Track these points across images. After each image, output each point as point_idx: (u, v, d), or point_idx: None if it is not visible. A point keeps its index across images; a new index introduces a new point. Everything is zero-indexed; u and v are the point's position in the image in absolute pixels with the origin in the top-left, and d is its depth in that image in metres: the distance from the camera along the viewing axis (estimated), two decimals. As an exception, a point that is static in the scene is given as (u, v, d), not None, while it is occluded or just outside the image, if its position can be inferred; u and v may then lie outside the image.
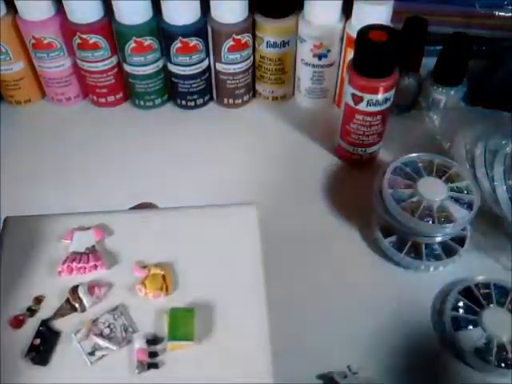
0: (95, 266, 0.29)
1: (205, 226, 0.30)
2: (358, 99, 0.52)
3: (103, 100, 0.66)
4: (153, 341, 0.26)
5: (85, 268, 0.29)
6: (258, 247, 0.29)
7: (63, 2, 0.57)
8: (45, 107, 0.68)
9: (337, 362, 0.43)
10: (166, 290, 0.28)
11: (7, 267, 0.29)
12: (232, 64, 0.62)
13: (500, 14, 0.64)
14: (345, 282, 0.49)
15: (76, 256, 0.29)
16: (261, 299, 0.27)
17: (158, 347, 0.27)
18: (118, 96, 0.66)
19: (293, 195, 0.57)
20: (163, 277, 0.28)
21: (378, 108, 0.53)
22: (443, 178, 0.50)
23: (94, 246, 0.30)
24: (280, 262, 0.49)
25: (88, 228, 0.31)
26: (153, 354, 0.26)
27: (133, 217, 0.32)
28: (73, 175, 0.59)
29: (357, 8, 0.56)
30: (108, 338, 0.27)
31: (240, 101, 0.66)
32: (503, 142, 0.54)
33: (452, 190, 0.49)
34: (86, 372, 0.25)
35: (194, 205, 0.32)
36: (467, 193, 0.49)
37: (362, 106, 0.53)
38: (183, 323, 0.26)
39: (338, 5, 0.57)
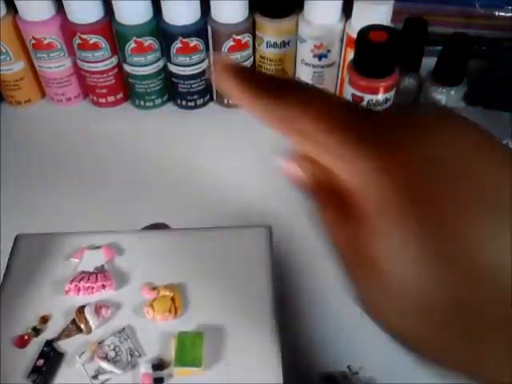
0: (103, 286, 0.28)
1: (216, 248, 0.30)
2: (358, 99, 0.52)
3: (103, 100, 0.66)
4: (159, 365, 0.26)
5: (92, 288, 0.29)
6: (269, 271, 0.29)
7: (63, 2, 0.57)
8: (45, 107, 0.68)
9: (337, 363, 0.43)
10: (175, 312, 0.27)
11: (15, 284, 0.28)
12: (232, 64, 0.62)
13: (500, 14, 0.64)
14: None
15: (84, 275, 0.29)
16: (272, 324, 0.27)
17: (164, 372, 0.25)
18: (118, 96, 0.66)
19: (292, 195, 0.57)
20: (172, 299, 0.28)
21: (379, 108, 0.53)
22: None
23: (103, 266, 0.29)
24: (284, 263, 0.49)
25: (98, 247, 0.30)
26: (158, 380, 0.25)
27: (144, 237, 0.31)
28: (72, 175, 0.59)
29: (357, 8, 0.56)
30: (113, 361, 0.26)
31: (240, 101, 0.66)
32: (503, 142, 0.54)
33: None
34: None
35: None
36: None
37: (362, 106, 0.53)
38: (191, 348, 0.25)
39: (338, 5, 0.57)
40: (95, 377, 0.25)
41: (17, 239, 0.30)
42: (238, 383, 0.25)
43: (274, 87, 0.19)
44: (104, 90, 0.65)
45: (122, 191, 0.57)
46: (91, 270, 0.29)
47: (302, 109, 0.18)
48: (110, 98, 0.66)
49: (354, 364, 0.43)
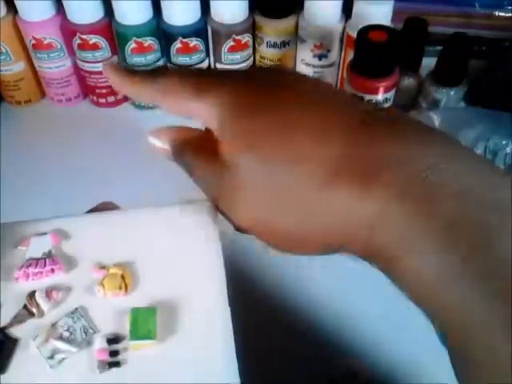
0: (52, 270, 0.29)
1: (163, 224, 0.30)
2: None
3: (103, 100, 0.66)
4: (113, 340, 0.26)
5: (41, 273, 0.28)
6: (217, 243, 0.29)
7: (63, 2, 0.57)
8: (45, 107, 0.68)
9: (338, 363, 0.43)
10: (126, 289, 0.27)
11: None
12: (232, 64, 0.62)
13: (500, 14, 0.64)
14: (343, 283, 0.49)
15: (32, 261, 0.29)
16: (223, 296, 0.27)
17: (120, 346, 0.25)
18: (118, 96, 0.66)
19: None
20: (122, 276, 0.28)
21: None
22: (443, 178, 0.50)
23: (50, 251, 0.30)
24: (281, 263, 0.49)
25: (44, 233, 0.30)
26: (114, 353, 0.25)
27: (90, 219, 0.31)
28: (72, 175, 0.59)
29: (357, 8, 0.56)
30: (68, 340, 0.26)
31: (240, 101, 0.66)
32: (503, 142, 0.54)
33: (452, 190, 0.49)
34: (47, 376, 0.25)
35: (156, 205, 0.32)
36: (467, 193, 0.49)
37: (362, 106, 0.53)
38: (145, 322, 0.26)
39: (338, 5, 0.57)
40: (51, 357, 0.26)
41: None
42: (192, 355, 0.25)
43: (148, 74, 0.27)
44: (104, 90, 0.65)
45: (122, 191, 0.57)
46: (39, 255, 0.29)
47: (168, 79, 0.26)
48: (110, 98, 0.66)
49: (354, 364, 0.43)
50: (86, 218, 0.32)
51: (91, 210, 0.33)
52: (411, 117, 0.22)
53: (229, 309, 0.27)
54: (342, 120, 0.22)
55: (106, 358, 0.25)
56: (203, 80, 0.25)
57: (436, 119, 0.60)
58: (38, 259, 0.29)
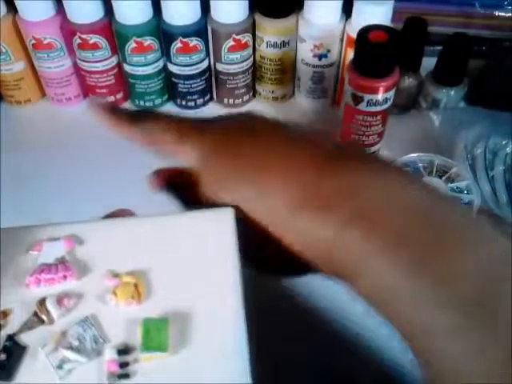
0: (64, 277, 0.28)
1: (180, 232, 0.29)
2: (358, 99, 0.52)
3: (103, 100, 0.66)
4: (124, 351, 0.25)
5: (53, 279, 0.27)
6: (235, 252, 0.28)
7: (63, 2, 0.57)
8: (45, 107, 0.68)
9: (336, 366, 0.43)
10: (139, 298, 0.27)
11: None
12: (232, 64, 0.62)
13: (500, 14, 0.64)
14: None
15: (44, 267, 0.28)
16: (238, 307, 0.27)
17: (130, 357, 0.25)
18: (118, 96, 0.66)
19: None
20: (135, 285, 0.27)
21: (378, 108, 0.53)
22: (443, 178, 0.50)
23: (63, 257, 0.29)
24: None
25: (58, 238, 0.29)
26: (124, 365, 0.24)
27: (105, 225, 0.31)
28: (73, 175, 0.59)
29: (357, 8, 0.56)
30: (77, 350, 0.25)
31: (240, 101, 0.66)
32: (503, 142, 0.54)
33: (452, 190, 0.49)
34: None
35: (172, 210, 0.32)
36: (467, 193, 0.49)
37: (362, 106, 0.53)
38: (157, 333, 0.25)
39: (338, 5, 0.57)
40: (60, 366, 0.25)
41: None
42: (205, 368, 0.25)
43: (135, 117, 0.32)
44: (104, 90, 0.65)
45: (122, 191, 0.57)
46: (52, 261, 0.29)
47: (154, 124, 0.30)
48: (110, 98, 0.66)
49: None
50: (100, 223, 0.31)
51: (107, 217, 0.33)
52: (365, 152, 0.26)
53: (244, 321, 0.26)
54: (309, 158, 0.25)
55: (116, 369, 0.24)
56: (185, 127, 0.29)
57: (436, 119, 0.60)
58: (50, 265, 0.28)
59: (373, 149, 0.58)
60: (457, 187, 0.50)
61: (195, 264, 0.28)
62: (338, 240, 0.23)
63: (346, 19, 0.59)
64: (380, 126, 0.55)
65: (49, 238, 0.29)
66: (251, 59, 0.63)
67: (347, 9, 0.58)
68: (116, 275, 0.28)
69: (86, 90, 0.67)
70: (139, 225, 0.30)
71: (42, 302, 0.27)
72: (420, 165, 0.51)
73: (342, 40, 0.60)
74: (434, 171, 0.51)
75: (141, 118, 0.31)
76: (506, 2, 0.63)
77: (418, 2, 0.64)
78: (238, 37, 0.59)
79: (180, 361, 0.25)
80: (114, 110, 0.33)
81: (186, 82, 0.63)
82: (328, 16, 0.58)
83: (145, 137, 0.31)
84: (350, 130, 0.56)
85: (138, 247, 0.29)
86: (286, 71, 0.64)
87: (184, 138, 0.28)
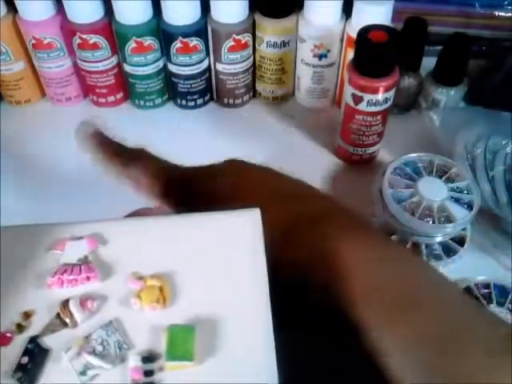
0: (88, 278, 0.27)
1: (206, 233, 0.28)
2: (358, 99, 0.52)
3: (103, 100, 0.66)
4: (148, 358, 0.24)
5: (76, 280, 0.27)
6: (262, 255, 0.27)
7: (63, 1, 0.57)
8: (45, 107, 0.67)
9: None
10: (164, 302, 0.26)
11: None
12: (232, 64, 0.62)
13: (500, 13, 0.64)
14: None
15: (67, 267, 0.27)
16: (267, 313, 0.26)
17: (155, 365, 0.24)
18: (118, 96, 0.66)
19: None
20: (160, 288, 0.26)
21: (378, 108, 0.53)
22: (443, 178, 0.50)
23: (86, 257, 0.28)
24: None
25: (81, 238, 0.28)
26: (148, 373, 0.24)
27: (129, 225, 0.30)
28: (72, 176, 0.59)
29: (357, 8, 0.56)
30: (101, 355, 0.24)
31: (240, 101, 0.66)
32: (503, 142, 0.54)
33: (452, 190, 0.49)
34: None
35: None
36: (467, 193, 0.49)
37: (362, 106, 0.53)
38: (182, 342, 0.24)
39: (338, 5, 0.57)
40: (83, 373, 0.24)
41: None
42: (232, 377, 0.24)
43: (126, 154, 0.32)
44: (104, 90, 0.65)
45: (122, 191, 0.57)
46: (74, 261, 0.28)
47: (141, 171, 0.31)
48: (110, 98, 0.66)
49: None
50: (124, 222, 0.30)
51: (129, 215, 0.32)
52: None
53: (272, 327, 0.25)
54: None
55: (140, 377, 0.24)
56: (171, 181, 0.30)
57: (436, 119, 0.60)
58: (73, 265, 0.27)
59: (373, 149, 0.58)
60: (457, 187, 0.50)
61: (221, 267, 0.27)
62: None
63: (346, 19, 0.59)
64: (380, 125, 0.55)
65: (71, 236, 0.28)
66: (251, 59, 0.63)
67: (347, 9, 0.58)
68: (140, 278, 0.27)
69: (86, 90, 0.67)
70: (164, 225, 0.29)
71: (65, 304, 0.26)
72: (420, 165, 0.51)
73: (342, 40, 0.60)
74: (434, 171, 0.51)
75: (130, 160, 0.32)
76: (505, 2, 0.63)
77: (418, 2, 0.64)
78: (238, 37, 0.59)
79: (206, 370, 0.24)
80: (102, 142, 0.34)
81: (186, 82, 0.63)
82: (328, 16, 0.58)
83: (131, 180, 0.32)
84: (349, 130, 0.56)
85: (162, 248, 0.28)
86: (286, 71, 0.64)
87: (169, 193, 0.29)
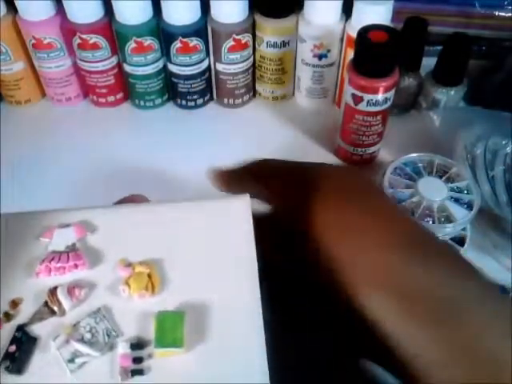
0: (75, 266, 0.26)
1: (195, 220, 0.28)
2: (358, 99, 0.52)
3: (103, 100, 0.66)
4: (137, 345, 0.24)
5: (64, 268, 0.26)
6: (252, 242, 0.27)
7: (63, 1, 0.57)
8: (45, 107, 0.68)
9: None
10: (153, 289, 0.26)
11: None
12: (232, 64, 0.62)
13: (500, 13, 0.64)
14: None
15: (55, 255, 0.27)
16: (256, 299, 0.26)
17: (144, 352, 0.24)
18: (118, 96, 0.66)
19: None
20: (149, 275, 0.26)
21: (378, 108, 0.53)
22: (443, 178, 0.50)
23: (74, 244, 0.28)
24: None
25: (68, 225, 0.28)
26: (137, 360, 0.23)
27: (117, 212, 0.29)
28: (72, 176, 0.59)
29: (357, 8, 0.56)
30: (89, 343, 0.24)
31: (240, 101, 0.66)
32: (503, 142, 0.54)
33: (452, 190, 0.49)
34: (66, 381, 0.23)
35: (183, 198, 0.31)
36: (467, 193, 0.49)
37: (361, 106, 0.53)
38: (172, 328, 0.24)
39: (338, 5, 0.57)
40: (71, 360, 0.24)
41: None
42: (221, 364, 0.24)
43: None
44: (104, 90, 0.65)
45: (121, 191, 0.57)
46: (62, 249, 0.28)
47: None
48: (110, 98, 0.66)
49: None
50: (112, 209, 0.30)
51: (118, 202, 0.31)
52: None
53: (261, 314, 0.25)
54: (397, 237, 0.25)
55: (129, 364, 0.24)
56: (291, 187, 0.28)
57: (436, 119, 0.60)
58: (60, 253, 0.27)
59: (373, 149, 0.58)
60: (457, 187, 0.50)
61: (211, 254, 0.27)
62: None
63: (346, 19, 0.59)
64: (380, 125, 0.55)
65: (59, 224, 0.28)
66: (251, 59, 0.63)
67: (347, 9, 0.58)
68: (129, 265, 0.26)
69: (86, 90, 0.67)
70: (153, 212, 0.29)
71: (53, 292, 0.26)
72: (420, 165, 0.51)
73: (341, 40, 0.60)
74: (434, 171, 0.51)
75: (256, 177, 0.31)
76: (506, 2, 0.63)
77: (418, 2, 0.64)
78: (238, 37, 0.59)
79: (196, 357, 0.24)
80: (225, 176, 0.34)
81: (186, 82, 0.63)
82: (328, 16, 0.58)
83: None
84: (349, 130, 0.56)
85: (151, 235, 0.27)
86: (286, 71, 0.64)
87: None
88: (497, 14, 0.64)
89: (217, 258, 0.27)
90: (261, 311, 0.24)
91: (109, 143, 0.63)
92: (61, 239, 0.28)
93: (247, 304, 0.25)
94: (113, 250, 0.27)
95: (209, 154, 0.63)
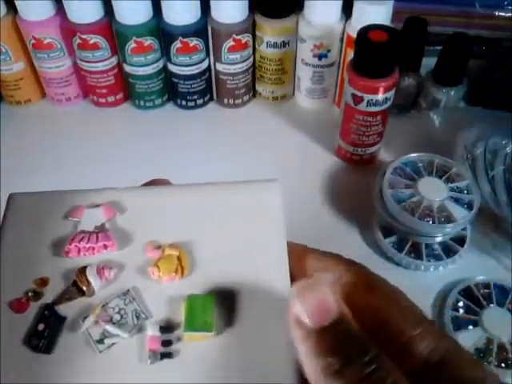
0: (105, 246, 0.26)
1: (225, 203, 0.27)
2: (358, 99, 0.52)
3: (103, 100, 0.66)
4: (167, 328, 0.24)
5: (93, 248, 0.26)
6: (282, 226, 0.27)
7: (63, 2, 0.57)
8: (45, 107, 0.68)
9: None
10: (182, 272, 0.25)
11: (10, 247, 0.26)
12: (232, 64, 0.62)
13: (500, 13, 0.64)
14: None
15: (84, 235, 0.26)
16: (286, 284, 0.25)
17: (173, 335, 0.23)
18: (118, 96, 0.66)
19: (292, 195, 0.57)
20: (178, 258, 0.25)
21: (378, 108, 0.53)
22: (443, 178, 0.50)
23: (103, 225, 0.27)
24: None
25: (98, 205, 0.27)
26: (166, 343, 0.23)
27: (147, 193, 0.28)
28: (72, 176, 0.59)
29: (357, 8, 0.56)
30: (118, 324, 0.24)
31: (240, 101, 0.66)
32: (503, 142, 0.54)
33: (452, 190, 0.49)
34: (94, 361, 0.23)
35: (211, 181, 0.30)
36: (467, 193, 0.49)
37: (361, 106, 0.53)
38: (202, 312, 0.23)
39: (338, 5, 0.57)
40: (100, 341, 0.24)
41: (10, 198, 0.28)
42: (251, 349, 0.23)
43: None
44: (104, 90, 0.65)
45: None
46: (91, 229, 0.27)
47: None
48: (110, 98, 0.66)
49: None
50: (142, 191, 0.29)
51: (146, 185, 0.31)
52: None
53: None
54: None
55: (158, 347, 0.23)
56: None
57: (436, 119, 0.60)
58: (90, 233, 0.27)
59: (373, 149, 0.58)
60: (457, 187, 0.50)
61: (240, 237, 0.26)
62: None
63: (346, 19, 0.59)
64: (380, 126, 0.55)
65: (88, 204, 0.28)
66: (251, 59, 0.63)
67: (347, 9, 0.58)
68: (158, 247, 0.26)
69: (86, 91, 0.67)
70: (183, 194, 0.29)
71: (82, 272, 0.25)
72: (420, 165, 0.51)
73: (341, 40, 0.60)
74: (434, 171, 0.51)
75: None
76: (505, 2, 0.63)
77: (417, 2, 0.64)
78: (238, 37, 0.59)
79: (225, 341, 0.23)
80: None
81: (186, 82, 0.63)
82: (328, 16, 0.58)
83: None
84: (349, 130, 0.56)
85: (181, 217, 0.27)
86: (286, 71, 0.64)
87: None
88: (497, 14, 0.64)
89: (246, 241, 0.26)
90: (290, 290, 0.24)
91: (109, 143, 0.63)
92: (90, 219, 0.27)
93: (276, 289, 0.25)
94: (142, 232, 0.27)
95: (209, 154, 0.63)
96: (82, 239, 0.26)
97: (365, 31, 0.49)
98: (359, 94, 0.52)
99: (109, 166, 0.60)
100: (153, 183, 0.31)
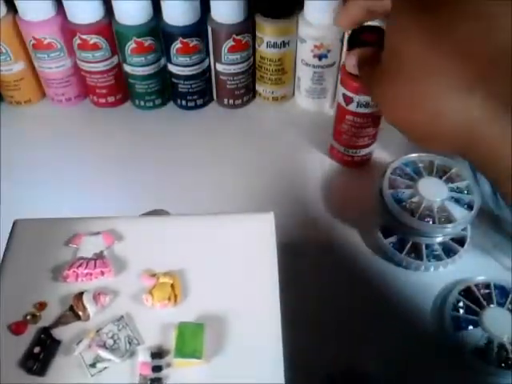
0: (102, 273, 0.28)
1: (219, 234, 0.29)
2: (348, 100, 0.52)
3: (103, 100, 0.66)
4: (157, 354, 0.25)
5: (91, 274, 0.27)
6: (274, 257, 0.28)
7: (63, 2, 0.57)
8: (45, 107, 0.68)
9: (336, 362, 0.43)
10: (175, 300, 0.26)
11: (12, 270, 0.28)
12: (232, 64, 0.62)
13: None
14: (344, 282, 0.49)
15: (83, 261, 0.28)
16: (276, 314, 0.26)
17: (163, 361, 0.24)
18: (118, 96, 0.66)
19: (292, 196, 0.57)
20: (172, 286, 0.27)
21: (369, 110, 0.53)
22: (443, 178, 0.50)
23: (102, 252, 0.29)
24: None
25: (97, 233, 0.29)
26: (157, 368, 0.24)
27: (145, 223, 0.30)
28: (72, 176, 0.59)
29: (357, 8, 0.56)
30: (111, 349, 0.25)
31: (240, 101, 0.66)
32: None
33: (452, 190, 0.49)
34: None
35: (205, 209, 0.31)
36: (467, 193, 0.49)
37: (352, 107, 0.53)
38: (192, 340, 0.24)
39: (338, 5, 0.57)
40: (93, 365, 0.25)
41: (15, 224, 0.29)
42: (238, 376, 0.24)
43: None
44: (104, 91, 0.65)
45: (121, 191, 0.57)
46: (90, 256, 0.29)
47: None
48: (110, 99, 0.66)
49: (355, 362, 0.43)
50: (140, 220, 0.31)
51: (144, 215, 0.32)
52: None
53: (281, 329, 0.25)
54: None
55: (149, 372, 0.24)
56: None
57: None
58: (88, 259, 0.28)
59: (365, 151, 0.58)
60: (457, 187, 0.50)
61: (233, 267, 0.27)
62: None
63: (346, 19, 0.59)
64: (371, 128, 0.55)
65: (88, 231, 0.29)
66: (251, 59, 0.63)
67: (347, 9, 0.58)
68: (153, 275, 0.27)
69: (86, 91, 0.67)
70: (178, 224, 0.30)
71: (79, 297, 0.26)
72: (420, 165, 0.51)
73: (341, 40, 0.60)
74: (434, 171, 0.51)
75: None
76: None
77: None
78: (238, 37, 0.59)
79: (214, 368, 0.24)
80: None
81: (186, 83, 0.63)
82: (328, 16, 0.58)
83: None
84: (341, 130, 0.56)
85: (176, 247, 0.28)
86: (286, 71, 0.64)
87: None
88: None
89: (239, 271, 0.27)
90: (280, 325, 0.25)
91: (109, 143, 0.63)
92: (89, 246, 0.29)
93: (267, 318, 0.25)
94: (138, 260, 0.28)
95: (209, 154, 0.63)
96: (80, 265, 0.28)
97: (358, 32, 0.49)
98: (349, 94, 0.52)
99: (109, 166, 0.60)
100: (152, 214, 0.32)
